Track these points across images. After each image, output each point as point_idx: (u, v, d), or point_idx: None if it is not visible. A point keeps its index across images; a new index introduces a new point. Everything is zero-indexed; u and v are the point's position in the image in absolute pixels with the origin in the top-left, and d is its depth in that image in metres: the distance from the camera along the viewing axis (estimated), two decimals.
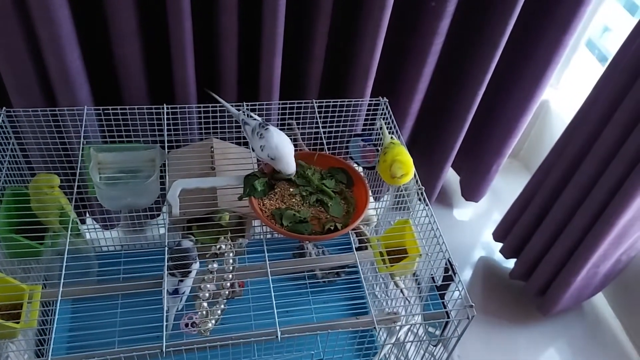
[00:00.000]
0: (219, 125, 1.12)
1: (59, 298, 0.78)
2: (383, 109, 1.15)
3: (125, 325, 1.08)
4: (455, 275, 0.87)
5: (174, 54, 1.06)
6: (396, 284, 1.08)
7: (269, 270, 0.87)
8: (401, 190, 1.09)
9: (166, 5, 1.00)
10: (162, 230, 1.34)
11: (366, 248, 1.11)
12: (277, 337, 0.79)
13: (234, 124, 1.14)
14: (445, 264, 0.90)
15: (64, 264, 0.82)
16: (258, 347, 1.06)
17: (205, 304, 0.88)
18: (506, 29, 1.17)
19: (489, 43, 1.20)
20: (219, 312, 0.92)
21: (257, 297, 1.11)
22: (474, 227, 1.64)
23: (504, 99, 1.37)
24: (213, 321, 0.90)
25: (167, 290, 0.94)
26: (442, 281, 0.92)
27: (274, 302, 0.83)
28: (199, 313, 0.88)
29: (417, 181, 1.01)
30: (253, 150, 0.97)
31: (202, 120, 1.11)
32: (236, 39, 1.08)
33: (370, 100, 1.16)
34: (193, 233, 1.07)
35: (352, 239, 0.95)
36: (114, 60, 1.07)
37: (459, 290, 0.86)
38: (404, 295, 1.08)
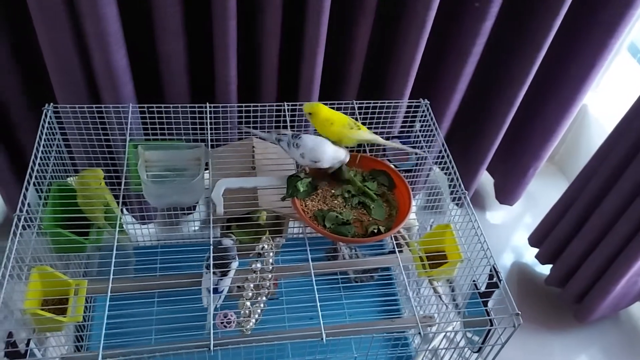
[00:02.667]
0: (259, 124, 1.12)
1: (109, 293, 0.79)
2: (423, 111, 1.14)
3: (162, 321, 1.09)
4: (500, 282, 0.86)
5: (217, 53, 1.07)
6: (435, 290, 1.07)
7: (312, 271, 0.87)
8: (434, 195, 1.08)
9: (212, 3, 1.00)
10: (197, 226, 1.35)
11: (401, 251, 1.11)
12: (321, 337, 0.78)
13: (273, 124, 1.14)
14: (490, 270, 0.89)
15: (113, 259, 0.83)
16: (292, 347, 1.07)
17: (248, 303, 0.88)
18: (550, 31, 1.15)
19: (532, 44, 1.18)
20: (259, 310, 0.92)
21: (290, 297, 1.12)
22: (507, 231, 1.62)
23: (544, 101, 1.35)
24: (254, 320, 0.91)
25: (207, 287, 0.95)
26: (485, 287, 0.91)
27: (318, 303, 0.82)
28: (242, 312, 0.88)
29: (459, 184, 1.00)
30: (296, 161, 0.98)
31: (243, 120, 1.12)
32: (279, 38, 1.08)
33: (410, 102, 1.15)
34: (232, 232, 1.08)
35: (392, 242, 0.94)
36: (158, 58, 1.08)
37: (504, 297, 0.84)
38: (442, 300, 1.07)
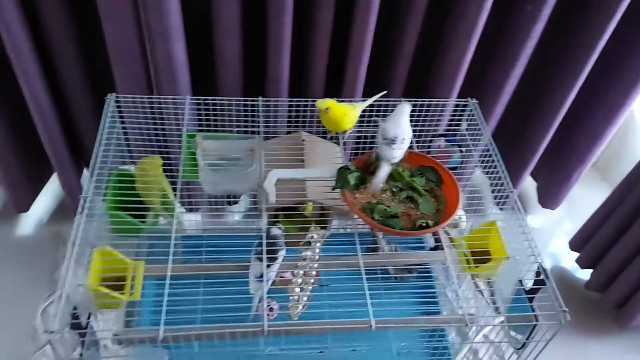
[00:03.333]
0: (308, 119, 1.15)
1: (169, 273, 0.83)
2: (471, 110, 1.15)
3: (209, 306, 1.13)
4: (547, 280, 0.87)
5: (270, 49, 1.10)
6: (477, 286, 1.08)
7: (361, 261, 0.89)
8: (476, 197, 1.08)
9: (268, 1, 1.03)
10: (240, 216, 1.39)
11: (442, 248, 1.12)
12: (371, 326, 0.81)
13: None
14: (537, 268, 0.90)
15: (172, 242, 0.87)
16: (333, 338, 1.10)
17: (297, 289, 0.91)
18: (603, 35, 1.14)
19: (583, 47, 1.18)
20: (305, 298, 0.95)
21: (334, 286, 1.14)
22: (547, 235, 1.62)
23: (592, 105, 1.34)
24: (301, 306, 0.94)
25: (254, 275, 0.99)
26: (532, 285, 0.92)
27: (367, 292, 0.85)
28: (291, 298, 0.91)
29: (507, 182, 1.01)
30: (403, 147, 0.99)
31: (293, 114, 1.15)
32: (330, 34, 1.11)
33: (458, 101, 1.17)
34: (279, 221, 1.11)
35: (443, 236, 0.96)
36: (214, 53, 1.12)
37: (551, 294, 0.85)
38: (483, 296, 1.08)
